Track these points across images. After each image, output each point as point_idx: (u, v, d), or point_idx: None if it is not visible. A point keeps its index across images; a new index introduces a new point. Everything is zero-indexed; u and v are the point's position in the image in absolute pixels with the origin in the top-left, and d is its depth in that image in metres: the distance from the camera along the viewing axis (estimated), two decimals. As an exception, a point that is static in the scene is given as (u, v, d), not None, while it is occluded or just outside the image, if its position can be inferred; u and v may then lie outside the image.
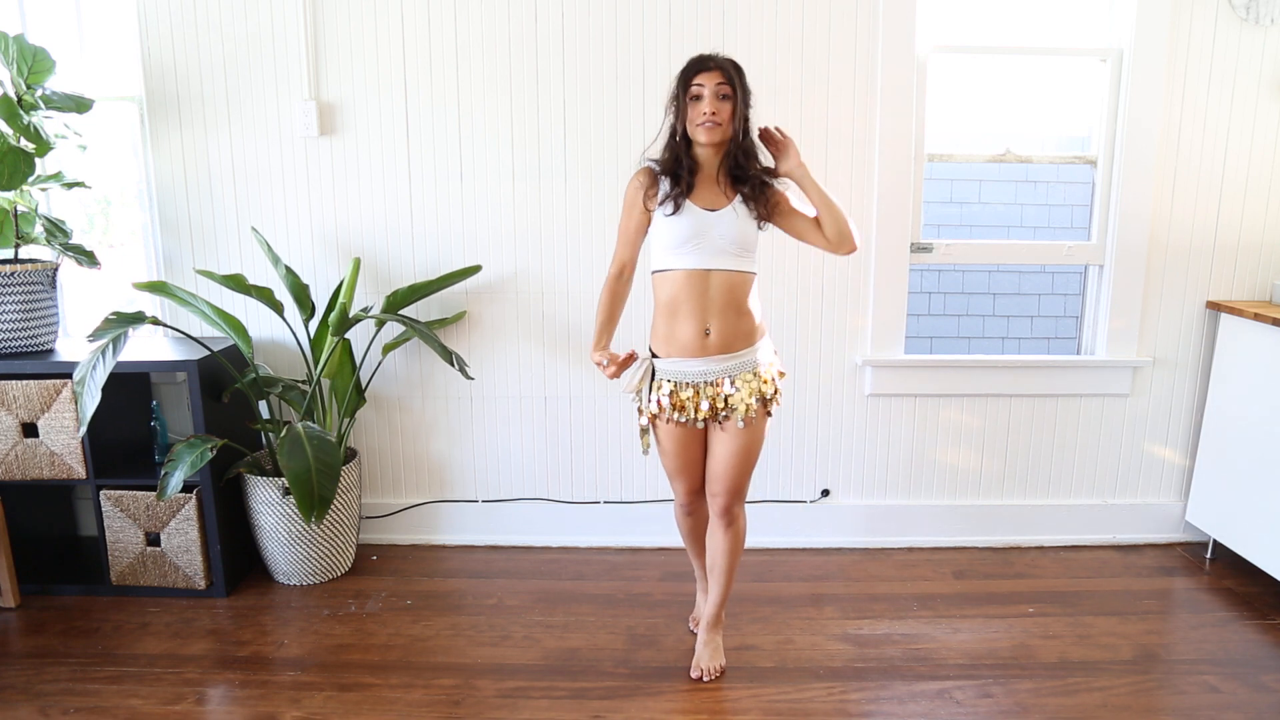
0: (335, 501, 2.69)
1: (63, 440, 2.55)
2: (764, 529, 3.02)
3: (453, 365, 2.60)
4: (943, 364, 2.96)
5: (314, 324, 2.79)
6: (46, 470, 2.59)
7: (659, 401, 2.10)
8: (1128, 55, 2.75)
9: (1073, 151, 3.04)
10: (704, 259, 2.03)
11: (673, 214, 2.03)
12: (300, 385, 2.77)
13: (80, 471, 2.58)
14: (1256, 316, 2.65)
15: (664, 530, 2.95)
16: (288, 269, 2.65)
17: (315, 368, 2.71)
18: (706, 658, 2.27)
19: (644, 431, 2.17)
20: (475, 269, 2.81)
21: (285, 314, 2.67)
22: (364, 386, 2.88)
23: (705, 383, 2.07)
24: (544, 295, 2.88)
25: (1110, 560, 2.94)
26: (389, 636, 2.44)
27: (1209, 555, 2.94)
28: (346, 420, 2.83)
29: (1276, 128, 2.80)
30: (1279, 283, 2.79)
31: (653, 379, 2.12)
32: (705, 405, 2.08)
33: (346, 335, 2.73)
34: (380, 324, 2.82)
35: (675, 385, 2.09)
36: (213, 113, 2.78)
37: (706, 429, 2.16)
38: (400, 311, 2.71)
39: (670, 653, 2.35)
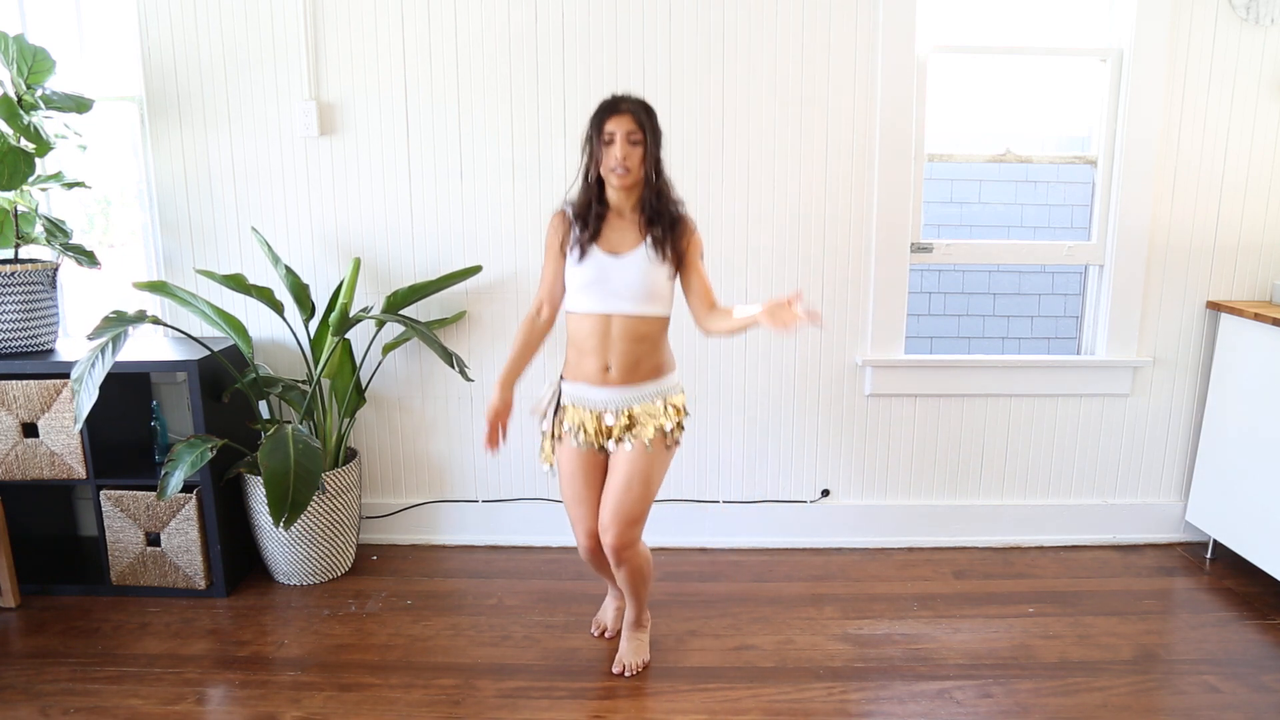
0: (335, 501, 2.70)
1: (63, 440, 2.55)
2: (764, 529, 3.03)
3: (453, 367, 2.60)
4: (943, 364, 2.96)
5: (314, 324, 2.79)
6: (46, 470, 2.59)
7: (560, 423, 2.15)
8: (1128, 55, 2.75)
9: (1073, 151, 3.03)
10: (605, 304, 2.05)
11: (579, 259, 2.06)
12: (300, 385, 2.77)
13: (80, 471, 2.58)
14: (1256, 316, 2.65)
15: (663, 531, 2.95)
16: (288, 269, 2.65)
17: (315, 368, 2.71)
18: (629, 653, 2.28)
19: (544, 442, 2.20)
20: (476, 269, 2.81)
21: (285, 314, 2.67)
22: (364, 386, 2.88)
23: (605, 410, 2.10)
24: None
25: (1110, 560, 2.94)
26: (389, 636, 2.44)
27: (1209, 555, 2.94)
28: (346, 420, 2.83)
29: (1276, 128, 2.80)
30: (1279, 283, 2.79)
31: (558, 403, 2.16)
32: (604, 424, 2.09)
33: (346, 335, 2.73)
34: (380, 324, 2.82)
35: (576, 409, 2.13)
36: (213, 113, 2.78)
37: (606, 463, 2.15)
38: (400, 311, 2.71)
39: (670, 653, 2.35)
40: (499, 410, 2.15)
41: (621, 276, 2.03)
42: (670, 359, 2.15)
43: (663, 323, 2.10)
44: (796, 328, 1.86)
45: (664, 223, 2.03)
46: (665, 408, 2.11)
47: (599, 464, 2.16)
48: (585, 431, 2.12)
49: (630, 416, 2.09)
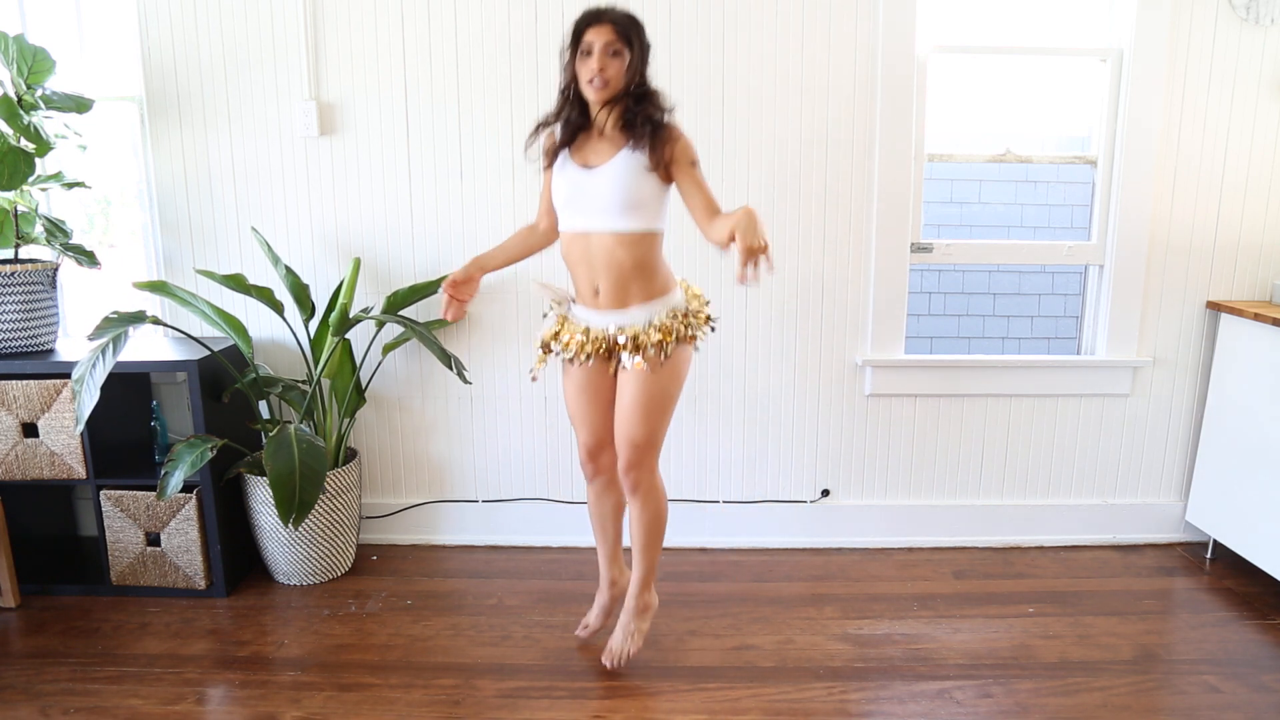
0: (335, 501, 2.70)
1: (63, 440, 2.55)
2: (764, 529, 3.03)
3: (451, 369, 2.60)
4: (943, 364, 2.96)
5: (314, 324, 2.79)
6: (46, 470, 2.59)
7: (553, 330, 2.14)
8: (1128, 55, 2.75)
9: (1073, 151, 3.04)
10: (582, 220, 1.98)
11: (555, 171, 2.03)
12: (300, 385, 2.77)
13: (80, 471, 2.58)
14: (1256, 316, 2.65)
15: (664, 530, 2.95)
16: (288, 269, 2.65)
17: (315, 368, 2.71)
18: (618, 641, 2.23)
19: (537, 350, 2.18)
20: (475, 269, 2.81)
21: (285, 314, 2.67)
22: (364, 386, 2.88)
23: (601, 331, 2.06)
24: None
25: (1110, 560, 2.94)
26: (389, 636, 2.44)
27: (1209, 555, 2.94)
28: (346, 420, 2.83)
29: (1276, 128, 2.80)
30: (1279, 283, 2.79)
31: (562, 315, 2.14)
32: (602, 340, 2.05)
33: (346, 335, 2.73)
34: (380, 324, 2.82)
35: (575, 325, 2.10)
36: (213, 113, 2.78)
37: (610, 379, 2.10)
38: (401, 311, 2.71)
39: (670, 653, 2.35)
40: (456, 280, 2.12)
41: (596, 188, 1.94)
42: (666, 281, 2.05)
43: (648, 241, 1.98)
44: (755, 266, 1.67)
45: (643, 127, 1.91)
46: (666, 325, 2.01)
47: (598, 379, 2.11)
48: (578, 351, 2.08)
49: (628, 337, 2.02)
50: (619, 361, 2.06)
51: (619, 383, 2.08)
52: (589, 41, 1.90)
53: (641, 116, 1.93)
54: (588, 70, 1.91)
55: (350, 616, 2.56)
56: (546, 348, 2.16)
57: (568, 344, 2.10)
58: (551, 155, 2.05)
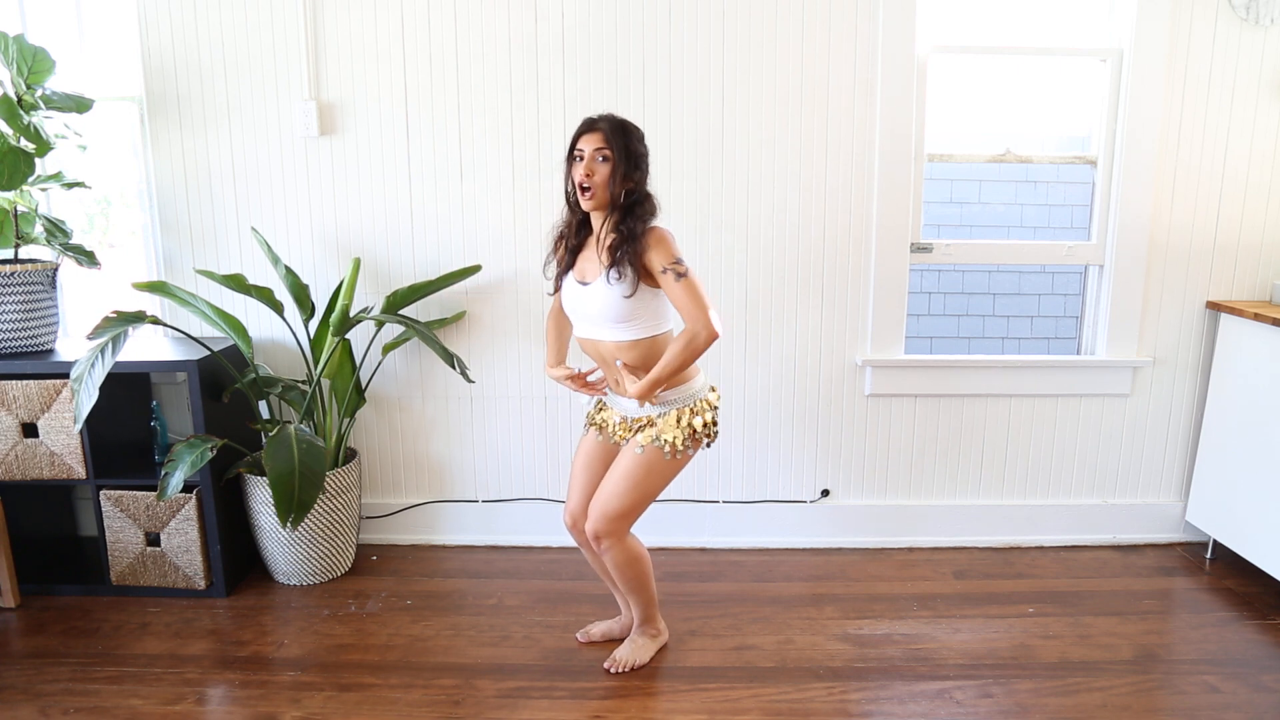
0: (335, 501, 2.70)
1: (63, 440, 2.55)
2: (764, 529, 3.03)
3: (454, 368, 2.60)
4: (943, 364, 2.96)
5: (314, 324, 2.79)
6: (46, 470, 2.59)
7: (597, 408, 2.26)
8: (1128, 55, 2.75)
9: (1073, 151, 3.04)
10: (585, 329, 2.09)
11: (557, 285, 2.14)
12: (300, 385, 2.77)
13: (80, 471, 2.58)
14: (1256, 316, 2.65)
15: (663, 531, 2.95)
16: (288, 269, 2.65)
17: (315, 368, 2.71)
18: (625, 652, 2.28)
19: (586, 427, 2.31)
20: (475, 269, 2.81)
21: (285, 314, 2.67)
22: (364, 386, 2.88)
23: (626, 414, 2.16)
24: (544, 295, 2.88)
25: (1110, 560, 2.94)
26: (389, 636, 2.44)
27: (1209, 555, 2.94)
28: (346, 420, 2.83)
29: (1276, 128, 2.79)
30: (1279, 283, 2.79)
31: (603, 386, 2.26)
32: (625, 422, 2.16)
33: (346, 335, 2.73)
34: (380, 324, 2.82)
35: (608, 407, 2.23)
36: (213, 113, 2.78)
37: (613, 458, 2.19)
38: (400, 311, 2.71)
39: (670, 653, 2.35)
40: (565, 379, 2.19)
41: (590, 304, 2.03)
42: (683, 372, 2.09)
43: (649, 342, 2.04)
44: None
45: (623, 242, 1.96)
46: (678, 421, 2.08)
47: (613, 450, 2.20)
48: (605, 426, 2.20)
49: (649, 421, 2.10)
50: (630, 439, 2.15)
51: (619, 454, 2.15)
52: (580, 148, 1.99)
53: (618, 239, 1.97)
54: (577, 174, 1.99)
55: (350, 616, 2.56)
56: (591, 420, 2.27)
57: (605, 425, 2.21)
58: (558, 280, 2.15)
